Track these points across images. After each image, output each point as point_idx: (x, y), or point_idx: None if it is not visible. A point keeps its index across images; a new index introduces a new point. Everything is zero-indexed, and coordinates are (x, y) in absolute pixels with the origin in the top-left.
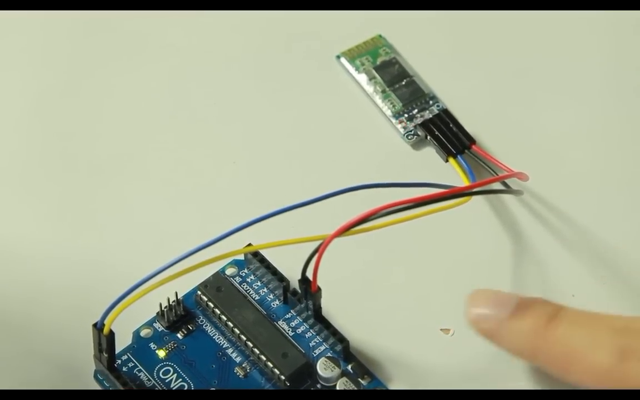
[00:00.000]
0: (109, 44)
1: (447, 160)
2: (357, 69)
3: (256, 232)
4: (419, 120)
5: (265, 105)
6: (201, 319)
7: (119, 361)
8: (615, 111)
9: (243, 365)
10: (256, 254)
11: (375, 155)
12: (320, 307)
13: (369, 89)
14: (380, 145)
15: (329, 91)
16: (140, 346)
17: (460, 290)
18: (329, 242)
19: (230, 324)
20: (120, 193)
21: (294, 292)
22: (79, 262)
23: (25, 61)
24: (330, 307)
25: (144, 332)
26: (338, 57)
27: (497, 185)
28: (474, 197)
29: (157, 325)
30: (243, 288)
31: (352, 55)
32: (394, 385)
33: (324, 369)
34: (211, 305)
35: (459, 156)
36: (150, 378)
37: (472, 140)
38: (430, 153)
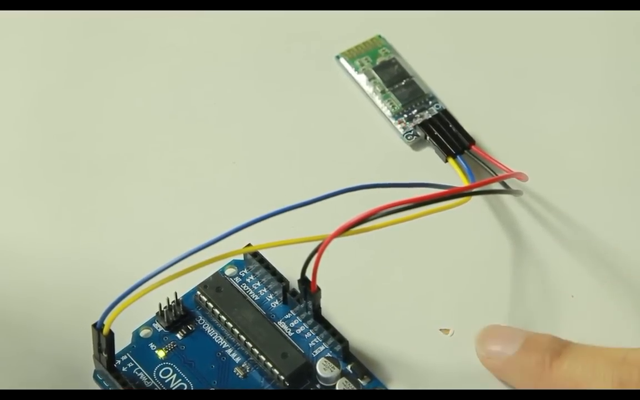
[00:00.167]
0: (109, 44)
1: (446, 161)
2: (356, 69)
3: (256, 232)
4: (418, 121)
5: (265, 105)
6: (201, 319)
7: (119, 361)
8: (615, 111)
9: (243, 365)
10: (256, 254)
11: (374, 156)
12: (319, 307)
13: (369, 89)
14: (380, 146)
15: (329, 91)
16: (139, 346)
17: (460, 290)
18: (329, 242)
19: (229, 324)
20: (120, 193)
21: (294, 292)
22: (79, 262)
23: (25, 61)
24: (329, 307)
25: (143, 333)
26: (337, 57)
27: (496, 186)
28: (474, 198)
29: (156, 325)
30: (242, 288)
31: (352, 55)
32: (393, 386)
33: (324, 369)
34: (211, 305)
35: (458, 156)
36: (150, 378)
37: (471, 141)
38: (429, 153)
